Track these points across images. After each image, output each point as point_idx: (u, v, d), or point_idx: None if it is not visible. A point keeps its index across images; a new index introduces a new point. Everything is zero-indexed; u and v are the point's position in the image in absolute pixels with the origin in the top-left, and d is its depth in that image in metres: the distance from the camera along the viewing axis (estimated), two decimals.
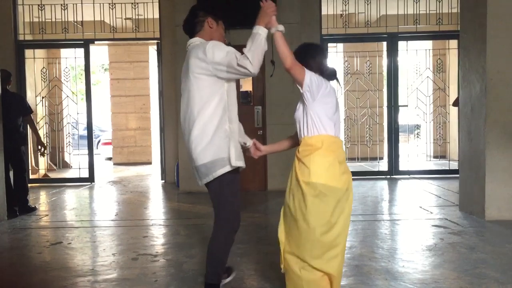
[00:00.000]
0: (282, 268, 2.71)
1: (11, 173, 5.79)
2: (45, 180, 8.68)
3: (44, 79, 8.63)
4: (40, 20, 8.14)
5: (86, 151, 8.41)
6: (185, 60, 2.75)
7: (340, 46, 9.20)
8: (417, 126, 11.24)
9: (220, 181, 2.67)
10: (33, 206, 5.96)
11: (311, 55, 2.70)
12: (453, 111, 8.30)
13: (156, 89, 9.23)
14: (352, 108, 9.56)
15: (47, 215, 5.78)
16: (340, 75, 9.49)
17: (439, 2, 7.93)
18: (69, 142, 9.97)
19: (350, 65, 9.08)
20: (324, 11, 7.79)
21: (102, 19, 8.17)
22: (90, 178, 8.28)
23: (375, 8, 7.98)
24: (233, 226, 2.76)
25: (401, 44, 8.16)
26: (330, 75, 2.71)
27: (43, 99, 8.86)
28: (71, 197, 7.08)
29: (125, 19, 8.33)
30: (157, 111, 9.09)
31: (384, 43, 8.37)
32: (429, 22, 8.09)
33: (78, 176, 8.38)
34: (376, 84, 9.16)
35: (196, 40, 2.74)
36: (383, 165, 8.61)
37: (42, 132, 8.10)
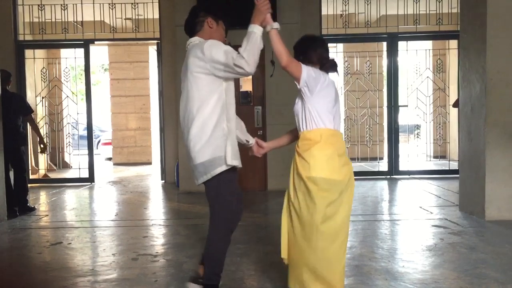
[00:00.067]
0: (284, 260, 2.72)
1: (11, 173, 5.79)
2: (45, 180, 8.69)
3: (44, 79, 8.63)
4: (40, 20, 8.14)
5: (86, 151, 8.41)
6: (185, 60, 2.75)
7: (340, 46, 9.20)
8: (417, 126, 11.24)
9: (218, 180, 2.66)
10: (32, 206, 5.96)
11: (312, 47, 2.72)
12: (453, 111, 8.30)
13: (156, 89, 9.23)
14: (352, 108, 9.56)
15: (47, 215, 5.78)
16: (340, 75, 9.58)
17: (439, 2, 7.93)
18: (69, 142, 9.97)
19: (350, 65, 9.09)
20: (324, 11, 7.79)
21: (102, 19, 8.18)
22: (90, 178, 8.28)
23: (375, 8, 7.98)
24: (231, 225, 2.76)
25: (401, 44, 8.16)
26: (331, 67, 2.72)
27: (43, 99, 8.86)
28: (71, 197, 7.08)
29: (125, 19, 8.33)
30: (157, 111, 9.09)
31: (384, 43, 8.37)
32: (429, 22, 8.09)
33: (78, 176, 8.38)
34: (376, 84, 9.17)
35: (195, 40, 2.75)
36: (383, 165, 8.61)
37: (42, 132, 8.08)
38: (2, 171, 5.41)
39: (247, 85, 7.10)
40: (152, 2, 8.06)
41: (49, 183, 8.43)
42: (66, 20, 8.15)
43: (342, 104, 9.80)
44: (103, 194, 7.37)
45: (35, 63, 8.39)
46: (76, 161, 8.87)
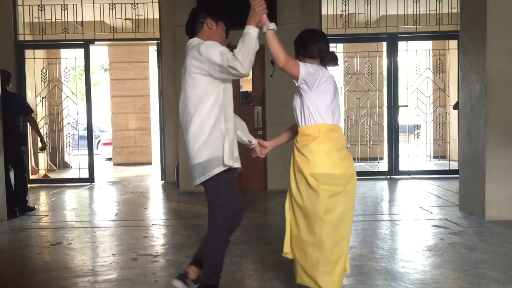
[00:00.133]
0: (284, 254, 2.74)
1: (11, 174, 5.80)
2: (45, 181, 8.68)
3: (44, 79, 8.63)
4: (40, 20, 8.14)
5: (86, 152, 8.41)
6: (184, 61, 2.76)
7: (340, 46, 9.21)
8: (417, 126, 11.23)
9: (216, 181, 2.67)
10: (32, 206, 5.96)
11: (312, 40, 2.73)
12: (453, 111, 8.29)
13: (156, 89, 9.23)
14: (352, 108, 9.56)
15: (47, 215, 5.78)
16: (340, 75, 9.58)
17: (439, 2, 7.93)
18: (69, 142, 9.97)
19: (350, 65, 9.09)
20: (324, 11, 7.79)
21: (102, 19, 8.18)
22: (90, 179, 8.28)
23: (375, 8, 7.98)
24: (230, 226, 2.76)
25: (401, 44, 8.16)
26: (331, 60, 2.72)
27: (43, 100, 8.86)
28: (71, 198, 7.08)
29: (125, 19, 8.33)
30: (157, 112, 9.09)
31: (384, 43, 8.37)
32: (429, 22, 8.09)
33: (78, 177, 8.38)
34: (376, 84, 9.16)
35: (194, 41, 2.76)
36: (383, 165, 8.61)
37: (42, 132, 8.07)
38: (2, 171, 5.41)
39: (247, 85, 7.10)
40: (152, 2, 8.06)
41: (49, 183, 8.42)
42: (66, 20, 8.15)
43: (342, 104, 9.80)
44: (103, 194, 7.37)
45: (35, 63, 8.39)
46: (76, 161, 8.87)
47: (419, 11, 7.99)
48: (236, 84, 6.68)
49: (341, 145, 2.67)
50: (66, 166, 10.26)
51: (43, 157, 9.12)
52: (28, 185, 6.17)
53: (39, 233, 4.92)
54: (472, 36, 5.08)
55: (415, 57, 8.55)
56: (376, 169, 8.53)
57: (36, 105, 8.56)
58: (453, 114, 8.68)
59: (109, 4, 8.09)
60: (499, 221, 4.81)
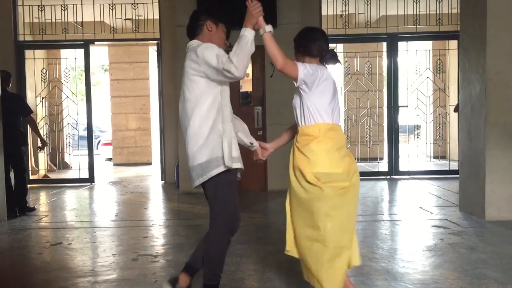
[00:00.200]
0: (286, 251, 2.74)
1: (11, 174, 5.80)
2: (45, 181, 8.68)
3: (44, 79, 8.63)
4: (40, 20, 8.14)
5: (86, 152, 8.41)
6: (184, 62, 2.77)
7: (340, 46, 9.21)
8: (417, 127, 11.23)
9: (216, 181, 2.67)
10: (32, 206, 5.96)
11: (311, 39, 2.73)
12: (453, 111, 8.29)
13: (156, 89, 9.23)
14: (352, 109, 9.56)
15: (47, 215, 5.78)
16: (340, 75, 9.58)
17: (439, 2, 7.93)
18: (69, 142, 9.96)
19: (350, 66, 9.08)
20: (324, 12, 7.79)
21: (102, 19, 8.18)
22: (90, 179, 8.28)
23: (375, 9, 7.98)
24: (230, 226, 2.76)
25: (401, 45, 8.16)
26: (331, 58, 2.72)
27: (43, 100, 8.86)
28: (71, 198, 7.08)
29: (125, 19, 8.33)
30: (157, 112, 9.09)
31: (384, 44, 8.36)
32: (429, 23, 8.09)
33: (78, 177, 8.38)
34: (376, 84, 9.16)
35: (194, 43, 2.76)
36: (383, 166, 8.61)
37: (42, 132, 8.08)
38: (2, 171, 5.42)
39: (247, 86, 7.11)
40: (152, 3, 8.07)
41: (49, 184, 8.42)
42: (66, 20, 8.15)
43: (342, 104, 9.81)
44: (103, 194, 7.37)
45: (35, 64, 8.39)
46: (76, 162, 8.87)
47: (419, 11, 7.99)
48: (236, 85, 6.68)
49: (341, 144, 2.67)
50: (66, 166, 10.26)
51: (43, 158, 9.12)
52: (28, 186, 6.17)
53: (39, 233, 4.92)
54: (472, 36, 5.08)
55: (415, 57, 8.55)
56: (376, 169, 8.53)
57: (36, 106, 8.56)
58: (453, 114, 8.65)
59: (109, 4, 8.09)
60: (499, 221, 4.81)
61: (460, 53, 5.52)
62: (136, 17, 8.20)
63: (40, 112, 8.89)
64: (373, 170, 8.55)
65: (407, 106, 8.73)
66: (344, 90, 9.31)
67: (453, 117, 8.79)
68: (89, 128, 8.45)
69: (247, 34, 2.52)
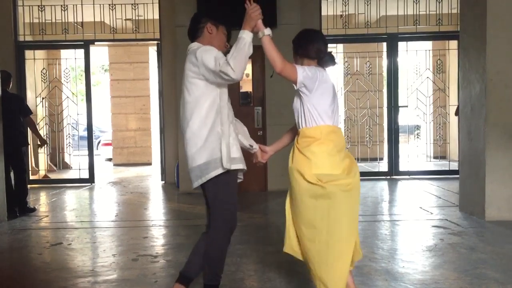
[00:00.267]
0: (285, 250, 2.74)
1: (12, 174, 5.80)
2: (45, 181, 8.69)
3: (44, 80, 8.63)
4: (40, 21, 8.14)
5: (86, 152, 8.41)
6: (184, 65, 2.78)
7: (340, 46, 9.20)
8: (417, 127, 11.23)
9: (215, 183, 2.67)
10: (32, 207, 5.97)
11: (309, 41, 2.73)
12: (453, 111, 8.28)
13: (156, 89, 9.23)
14: (352, 109, 9.56)
15: (47, 216, 5.78)
16: (340, 75, 9.57)
17: (439, 2, 7.93)
18: (69, 143, 9.97)
19: (350, 66, 9.08)
20: (324, 12, 7.79)
21: (102, 20, 8.18)
22: (90, 179, 8.28)
23: (375, 9, 7.98)
24: (230, 226, 2.76)
25: (401, 45, 8.16)
26: (328, 61, 2.72)
27: (43, 100, 8.86)
28: (71, 198, 7.08)
29: (125, 20, 8.33)
30: (157, 112, 9.09)
31: (384, 44, 8.37)
32: (429, 23, 8.09)
33: (78, 177, 8.38)
34: (376, 84, 9.16)
35: (194, 45, 2.76)
36: (383, 166, 8.62)
37: (42, 133, 8.09)
38: (2, 171, 5.42)
39: (247, 86, 7.11)
40: (152, 3, 8.07)
41: (49, 184, 8.43)
42: (66, 20, 8.16)
43: (342, 104, 9.82)
44: (103, 194, 7.37)
45: (35, 64, 8.39)
46: (76, 162, 8.87)
47: (419, 11, 7.99)
48: (236, 85, 6.68)
49: (341, 146, 2.68)
50: (66, 166, 10.26)
51: (43, 158, 9.12)
52: (28, 186, 6.17)
53: (39, 234, 4.93)
54: (472, 36, 5.08)
55: (415, 58, 8.55)
56: (376, 170, 8.53)
57: (36, 106, 8.57)
58: (453, 115, 8.67)
59: (109, 4, 8.09)
60: (499, 221, 4.81)
61: (460, 53, 5.52)
62: (136, 17, 8.20)
63: (40, 113, 8.89)
64: (373, 170, 8.56)
65: (407, 106, 8.73)
66: (344, 90, 9.31)
67: (453, 117, 8.78)
68: (89, 128, 8.46)
69: (245, 37, 2.53)
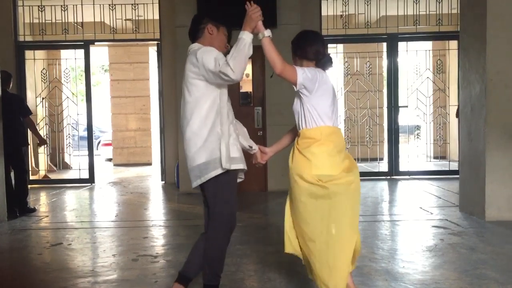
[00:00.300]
0: (286, 251, 2.75)
1: (12, 174, 5.80)
2: (45, 181, 8.69)
3: (44, 80, 8.63)
4: (40, 21, 8.14)
5: (86, 152, 8.41)
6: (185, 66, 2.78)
7: (340, 46, 9.20)
8: (417, 127, 11.23)
9: (215, 182, 2.67)
10: (32, 207, 5.97)
11: (308, 42, 2.74)
12: (453, 111, 8.29)
13: (156, 90, 9.23)
14: (352, 109, 9.55)
15: (47, 216, 5.78)
16: (340, 75, 9.57)
17: (439, 2, 7.93)
18: (69, 143, 9.96)
19: (350, 66, 9.07)
20: (324, 12, 7.79)
21: (102, 20, 8.18)
22: (90, 179, 8.28)
23: (375, 9, 7.98)
24: (230, 226, 2.76)
25: (401, 45, 8.16)
26: (326, 63, 2.73)
27: (43, 100, 8.86)
28: (71, 198, 7.08)
29: (125, 20, 8.34)
30: (157, 112, 9.09)
31: (384, 44, 8.37)
32: (429, 23, 8.09)
33: (78, 177, 8.38)
34: (376, 84, 9.15)
35: (195, 46, 2.77)
36: (383, 166, 8.62)
37: (42, 133, 8.09)
38: (2, 171, 5.42)
39: (247, 86, 7.11)
40: (152, 3, 8.07)
41: (49, 184, 8.43)
42: (66, 21, 8.16)
43: (342, 104, 9.81)
44: (103, 195, 7.37)
45: (35, 64, 8.39)
46: (76, 162, 8.87)
47: (419, 11, 7.99)
48: (236, 85, 6.68)
49: (341, 146, 2.69)
50: (66, 166, 10.26)
51: (43, 158, 9.12)
52: (29, 186, 6.17)
53: (39, 234, 4.93)
54: (472, 36, 5.08)
55: (415, 58, 8.55)
56: (376, 170, 8.53)
57: (36, 106, 8.56)
58: (453, 114, 8.67)
59: (109, 4, 8.09)
60: (499, 221, 4.81)
61: (460, 53, 5.52)
62: (136, 18, 8.20)
63: (40, 113, 8.88)
64: (373, 171, 8.55)
65: (407, 107, 8.73)
66: (344, 90, 9.30)
67: (453, 118, 8.78)
68: (89, 128, 8.46)
69: (245, 37, 2.53)
